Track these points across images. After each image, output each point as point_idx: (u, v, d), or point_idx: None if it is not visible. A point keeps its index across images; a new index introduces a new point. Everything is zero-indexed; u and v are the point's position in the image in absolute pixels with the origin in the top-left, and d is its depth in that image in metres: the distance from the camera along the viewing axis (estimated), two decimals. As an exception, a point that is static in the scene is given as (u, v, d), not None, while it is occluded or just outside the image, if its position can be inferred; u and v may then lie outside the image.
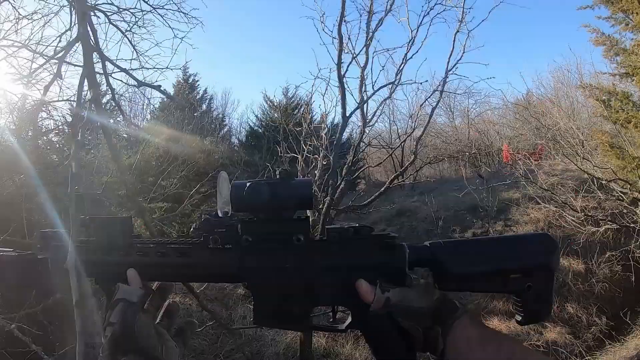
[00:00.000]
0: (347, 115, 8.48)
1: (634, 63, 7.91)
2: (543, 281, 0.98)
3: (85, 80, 1.66)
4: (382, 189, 9.28)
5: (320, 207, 8.24)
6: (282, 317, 1.03)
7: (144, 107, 15.36)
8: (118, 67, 2.70)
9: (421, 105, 9.52)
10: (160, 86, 2.49)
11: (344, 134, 14.08)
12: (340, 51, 8.28)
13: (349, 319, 1.03)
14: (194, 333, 1.19)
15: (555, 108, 12.20)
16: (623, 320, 8.32)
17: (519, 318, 1.00)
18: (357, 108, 8.62)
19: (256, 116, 20.28)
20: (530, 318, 1.01)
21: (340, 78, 8.23)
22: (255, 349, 8.61)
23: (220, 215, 1.06)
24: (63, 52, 2.38)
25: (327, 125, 10.37)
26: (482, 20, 7.99)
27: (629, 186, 8.31)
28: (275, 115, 17.59)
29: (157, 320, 1.06)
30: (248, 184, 1.00)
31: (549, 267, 0.98)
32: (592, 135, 9.69)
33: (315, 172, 8.68)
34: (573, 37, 46.34)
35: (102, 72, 2.17)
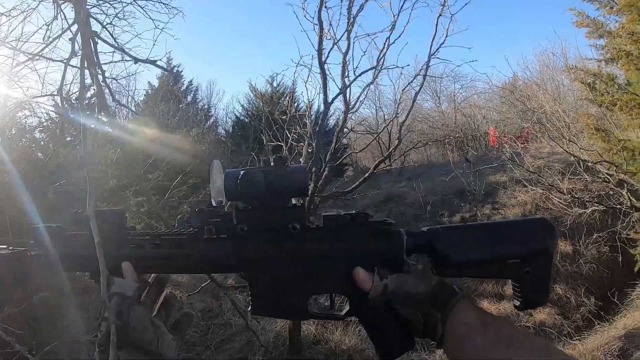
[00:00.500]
0: (329, 101, 8.46)
1: (619, 46, 7.94)
2: (541, 266, 0.99)
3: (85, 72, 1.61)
4: (367, 175, 9.27)
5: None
6: (280, 306, 1.03)
7: (128, 101, 15.11)
8: (114, 46, 2.63)
9: (403, 90, 9.51)
10: (156, 61, 2.41)
11: (331, 121, 14.14)
12: (321, 37, 8.18)
13: (347, 307, 1.03)
14: (191, 325, 1.20)
15: (540, 91, 12.28)
16: (611, 301, 8.47)
17: (517, 303, 1.01)
18: (339, 94, 8.56)
19: (242, 106, 20.19)
20: (528, 303, 1.01)
21: (322, 64, 8.15)
22: (245, 338, 8.61)
23: (214, 205, 1.06)
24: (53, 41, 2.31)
25: (312, 114, 10.34)
26: (465, 4, 7.95)
27: (614, 168, 8.40)
28: (261, 104, 17.51)
29: (154, 313, 1.05)
30: (242, 172, 0.99)
31: (546, 252, 0.99)
32: (578, 118, 9.76)
33: (300, 159, 8.67)
34: (558, 20, 46.39)
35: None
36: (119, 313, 0.95)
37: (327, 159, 8.84)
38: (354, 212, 1.04)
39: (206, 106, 20.89)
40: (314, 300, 1.09)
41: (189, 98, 19.53)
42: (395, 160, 11.25)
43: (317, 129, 8.50)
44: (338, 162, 9.75)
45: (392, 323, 0.97)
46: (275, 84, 17.30)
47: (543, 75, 15.64)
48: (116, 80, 6.47)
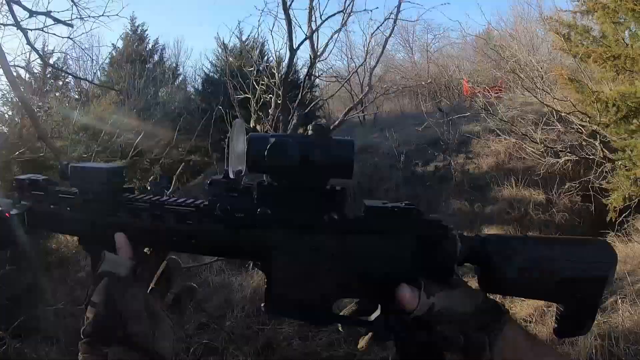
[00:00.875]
0: (295, 48, 8.28)
1: (595, -1, 8.01)
2: (592, 293, 0.88)
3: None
4: (337, 122, 9.28)
5: None
6: (301, 307, 0.87)
7: (93, 65, 14.35)
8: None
9: (372, 34, 9.26)
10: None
11: (301, 75, 13.85)
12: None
13: (377, 312, 0.89)
14: (194, 300, 1.05)
15: (514, 42, 12.33)
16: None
17: (557, 327, 0.91)
18: (305, 39, 8.41)
19: (211, 62, 19.41)
20: (570, 330, 0.93)
21: (286, 10, 7.90)
22: (223, 296, 8.71)
23: (231, 176, 0.86)
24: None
25: (282, 66, 10.14)
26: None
27: (587, 119, 8.64)
28: (230, 59, 16.98)
29: (153, 284, 0.93)
30: (273, 140, 0.81)
31: (603, 280, 0.88)
32: (552, 69, 9.91)
33: (269, 111, 8.57)
34: None
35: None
36: (108, 299, 0.80)
37: (294, 107, 8.72)
38: (403, 204, 0.89)
39: (174, 64, 20.14)
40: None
41: (156, 57, 18.75)
42: (366, 107, 11.24)
43: (283, 77, 8.39)
44: (307, 110, 9.65)
45: (428, 341, 0.84)
46: (244, 38, 16.82)
47: (517, 26, 15.71)
48: (73, 40, 6.04)
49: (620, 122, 7.81)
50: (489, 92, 12.25)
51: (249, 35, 15.39)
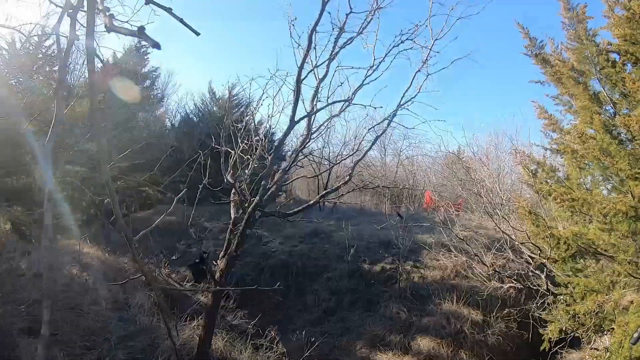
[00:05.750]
0: (296, 120, 8.52)
1: (567, 142, 8.64)
2: None
3: None
4: (311, 202, 9.34)
5: (247, 205, 8.10)
6: None
7: (83, 64, 14.12)
8: None
9: (369, 129, 9.75)
10: (171, 8, 2.11)
11: (278, 142, 14.11)
12: (305, 56, 8.34)
13: None
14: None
15: (484, 167, 13.02)
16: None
17: None
18: (307, 115, 8.68)
19: (195, 104, 19.74)
20: None
21: (299, 82, 8.28)
22: (148, 339, 8.09)
23: None
24: None
25: (269, 127, 10.27)
26: (444, 68, 8.49)
27: (538, 251, 8.96)
28: (215, 108, 17.20)
29: None
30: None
31: None
32: (514, 199, 10.39)
33: (246, 171, 8.56)
34: (521, 104, 49.19)
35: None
36: None
37: (275, 177, 8.81)
38: None
39: (160, 94, 20.07)
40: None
41: (147, 82, 18.64)
42: (322, 194, 11.45)
43: (275, 144, 8.49)
44: (288, 182, 9.75)
45: None
46: (233, 92, 17.17)
47: (489, 153, 16.65)
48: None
49: (568, 260, 8.11)
50: (450, 208, 12.64)
51: (238, 91, 15.77)
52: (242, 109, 15.84)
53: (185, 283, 10.39)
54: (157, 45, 1.41)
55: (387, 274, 12.75)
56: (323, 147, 19.10)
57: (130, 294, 9.18)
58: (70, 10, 2.18)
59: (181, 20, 1.89)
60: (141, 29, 1.51)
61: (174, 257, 11.25)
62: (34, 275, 7.93)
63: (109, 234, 11.20)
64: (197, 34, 1.95)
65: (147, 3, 2.07)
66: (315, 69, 8.59)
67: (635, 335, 2.22)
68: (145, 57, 17.64)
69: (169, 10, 1.93)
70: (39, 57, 9.32)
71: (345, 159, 10.40)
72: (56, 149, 8.72)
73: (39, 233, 8.93)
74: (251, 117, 10.09)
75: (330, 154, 17.28)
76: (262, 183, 8.31)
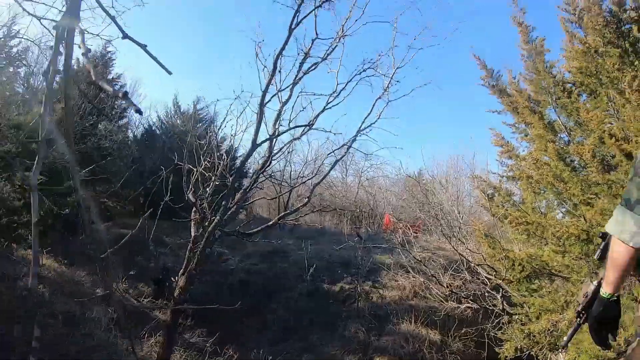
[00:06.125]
0: (258, 142, 8.62)
1: (522, 169, 9.04)
2: None
3: None
4: (270, 223, 9.40)
5: (207, 224, 8.07)
6: None
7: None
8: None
9: (328, 154, 9.99)
10: (146, 45, 2.20)
11: (237, 162, 14.13)
12: (270, 81, 8.50)
13: None
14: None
15: (443, 190, 13.43)
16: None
17: None
18: (269, 138, 8.81)
19: (158, 117, 19.27)
20: None
21: (262, 106, 8.42)
22: (106, 355, 7.82)
23: None
24: None
25: (232, 145, 10.28)
26: (404, 95, 8.88)
27: (494, 273, 9.24)
28: (179, 121, 16.98)
29: None
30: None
31: None
32: (471, 222, 10.73)
33: (207, 189, 8.55)
34: (480, 129, 50.76)
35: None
36: None
37: (237, 197, 8.83)
38: None
39: (124, 104, 19.50)
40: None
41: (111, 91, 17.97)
42: (289, 213, 11.56)
43: (236, 164, 8.56)
44: (249, 203, 9.78)
45: None
46: (198, 107, 17.05)
47: (449, 176, 17.15)
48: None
49: (523, 281, 8.42)
50: (408, 230, 12.90)
51: (202, 107, 15.70)
52: (205, 125, 15.71)
53: (142, 299, 10.13)
54: (139, 111, 1.48)
55: (346, 294, 12.84)
56: (284, 166, 19.16)
57: (88, 308, 8.85)
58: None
59: (155, 59, 2.00)
60: (125, 94, 1.61)
61: (131, 272, 10.93)
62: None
63: (67, 246, 10.78)
64: (170, 73, 2.07)
65: (124, 38, 2.16)
66: (279, 93, 8.75)
67: (565, 339, 2.42)
68: (111, 64, 17.26)
69: (144, 47, 2.04)
70: (2, 56, 9.03)
71: (305, 181, 10.53)
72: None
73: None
74: (214, 134, 10.09)
75: (292, 172, 17.37)
76: (222, 203, 8.30)
